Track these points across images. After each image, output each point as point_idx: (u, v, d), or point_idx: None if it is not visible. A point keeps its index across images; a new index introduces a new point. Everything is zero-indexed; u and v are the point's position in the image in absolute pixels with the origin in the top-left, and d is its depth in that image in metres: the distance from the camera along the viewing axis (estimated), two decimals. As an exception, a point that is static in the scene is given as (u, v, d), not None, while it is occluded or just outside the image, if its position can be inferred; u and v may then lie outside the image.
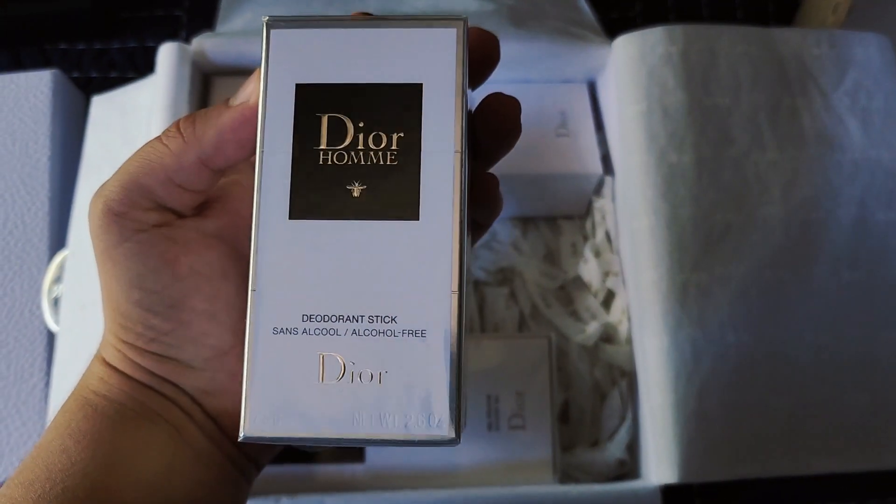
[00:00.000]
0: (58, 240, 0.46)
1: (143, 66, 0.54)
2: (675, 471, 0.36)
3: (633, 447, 0.41)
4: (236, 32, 0.44)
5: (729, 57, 0.41)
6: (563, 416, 0.43)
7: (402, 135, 0.25)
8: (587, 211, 0.47)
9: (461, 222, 0.25)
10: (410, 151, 0.25)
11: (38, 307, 0.44)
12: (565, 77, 0.47)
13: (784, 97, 0.41)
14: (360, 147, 0.25)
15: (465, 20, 0.25)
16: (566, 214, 0.47)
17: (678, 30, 0.41)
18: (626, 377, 0.42)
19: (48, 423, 0.40)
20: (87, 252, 0.42)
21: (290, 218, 0.25)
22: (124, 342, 0.24)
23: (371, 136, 0.25)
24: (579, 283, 0.45)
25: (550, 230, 0.47)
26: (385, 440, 0.23)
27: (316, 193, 0.25)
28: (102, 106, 0.47)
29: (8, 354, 0.44)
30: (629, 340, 0.42)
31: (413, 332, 0.24)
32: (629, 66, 0.41)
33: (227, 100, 0.26)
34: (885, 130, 0.41)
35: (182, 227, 0.25)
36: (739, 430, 0.37)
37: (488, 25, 0.45)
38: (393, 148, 0.25)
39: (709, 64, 0.41)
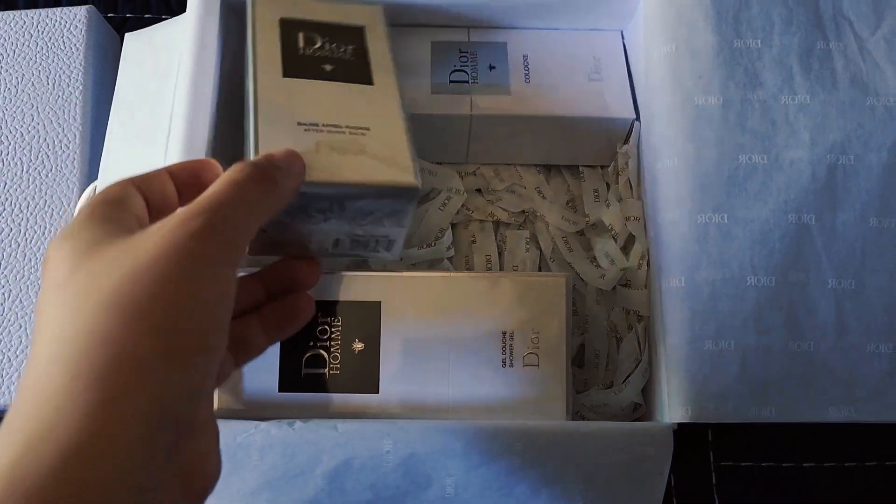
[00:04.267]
0: (89, 172, 0.47)
1: (176, 8, 0.55)
2: (687, 410, 0.36)
3: (648, 391, 0.41)
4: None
5: (762, -2, 0.40)
6: (579, 360, 0.43)
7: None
8: (612, 159, 0.46)
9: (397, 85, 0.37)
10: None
11: (68, 236, 0.45)
12: (595, 25, 0.46)
13: (818, 40, 0.40)
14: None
15: None
16: (590, 163, 0.47)
17: (710, -30, 0.40)
18: (643, 321, 0.41)
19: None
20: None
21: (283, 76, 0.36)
22: None
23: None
24: (599, 229, 0.45)
25: (573, 177, 0.47)
26: (363, 184, 0.33)
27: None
28: (135, 43, 0.47)
29: (36, 282, 0.45)
30: (647, 285, 0.41)
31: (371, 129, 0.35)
32: (657, 8, 0.41)
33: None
34: (921, 77, 0.40)
35: None
36: (756, 374, 0.36)
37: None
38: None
39: (741, 5, 0.40)
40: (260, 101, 0.34)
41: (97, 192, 0.29)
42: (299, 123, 0.34)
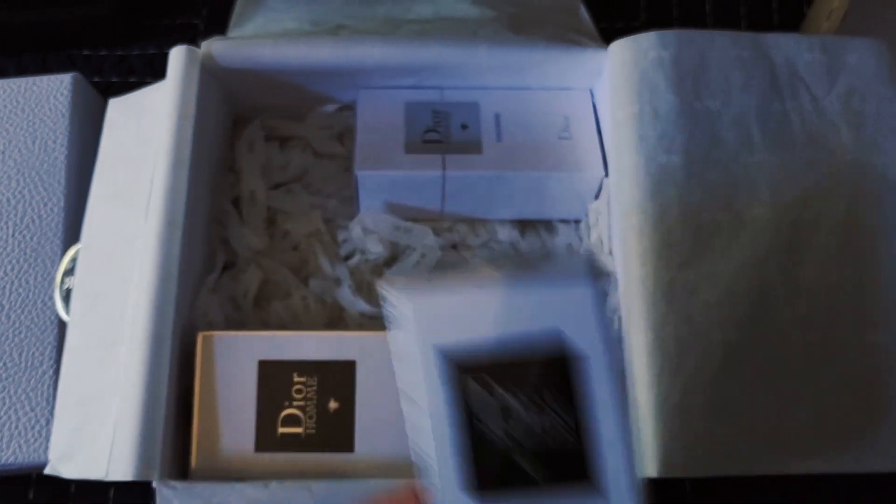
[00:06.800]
0: (72, 235, 0.48)
1: (161, 72, 0.56)
2: (655, 465, 0.36)
3: (622, 445, 0.41)
4: (244, 36, 0.46)
5: (720, 61, 0.42)
6: (555, 415, 0.44)
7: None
8: (585, 213, 0.47)
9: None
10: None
11: (51, 298, 0.46)
12: (564, 84, 0.48)
13: (775, 101, 0.41)
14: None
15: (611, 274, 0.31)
16: (563, 219, 0.48)
17: (671, 35, 0.42)
18: (616, 375, 0.42)
19: (56, 411, 0.42)
20: (99, 246, 0.44)
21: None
22: None
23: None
24: (574, 283, 0.46)
25: (548, 232, 0.48)
26: None
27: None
28: (118, 108, 0.49)
29: (20, 342, 0.45)
30: (620, 340, 0.42)
31: None
32: (622, 70, 0.42)
33: None
34: (876, 134, 0.41)
35: None
36: (723, 428, 0.37)
37: (487, 31, 0.46)
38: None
39: (700, 68, 0.41)
40: None
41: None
42: None
